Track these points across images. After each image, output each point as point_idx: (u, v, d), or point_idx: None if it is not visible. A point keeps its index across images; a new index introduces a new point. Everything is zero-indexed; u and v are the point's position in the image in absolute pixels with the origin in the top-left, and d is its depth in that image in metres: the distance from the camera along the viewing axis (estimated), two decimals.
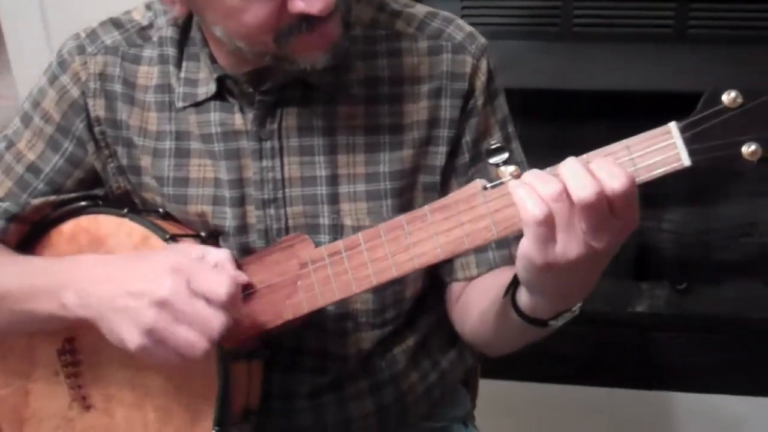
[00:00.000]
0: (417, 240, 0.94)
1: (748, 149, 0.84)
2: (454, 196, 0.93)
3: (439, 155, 1.13)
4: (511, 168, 0.89)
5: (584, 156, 0.85)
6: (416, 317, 1.22)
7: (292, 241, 1.04)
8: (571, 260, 0.81)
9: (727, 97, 0.85)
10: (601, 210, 0.79)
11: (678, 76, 1.91)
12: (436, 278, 1.21)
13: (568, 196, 0.78)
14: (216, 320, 0.93)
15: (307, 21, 0.95)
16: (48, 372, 1.17)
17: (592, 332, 2.32)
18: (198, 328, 0.93)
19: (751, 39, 1.89)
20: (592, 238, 0.80)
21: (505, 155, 0.90)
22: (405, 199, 1.12)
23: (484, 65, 1.13)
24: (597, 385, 2.33)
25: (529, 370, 2.21)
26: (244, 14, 0.94)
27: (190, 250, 1.02)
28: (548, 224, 0.80)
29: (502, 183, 0.90)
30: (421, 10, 1.16)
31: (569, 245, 0.81)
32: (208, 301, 0.93)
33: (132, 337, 0.95)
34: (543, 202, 0.79)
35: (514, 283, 0.96)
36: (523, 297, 0.93)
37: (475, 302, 1.12)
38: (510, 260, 1.14)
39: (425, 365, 1.24)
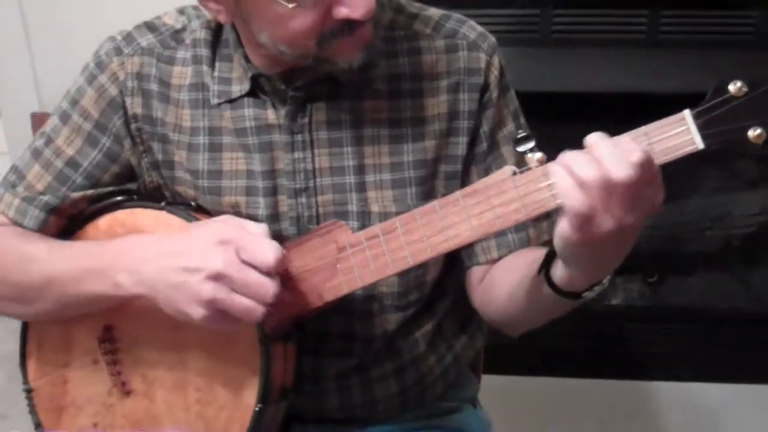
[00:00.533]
0: (451, 223, 1.02)
1: (754, 133, 0.94)
2: (485, 181, 1.00)
3: (460, 145, 1.21)
4: (538, 155, 0.97)
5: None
6: (434, 302, 1.30)
7: (330, 227, 1.10)
8: (606, 236, 0.89)
9: (734, 86, 0.94)
10: (636, 189, 0.87)
11: (650, 79, 2.02)
12: (452, 264, 1.29)
13: (608, 177, 0.85)
14: (268, 285, 1.00)
15: (348, 25, 1.03)
16: (86, 360, 1.22)
17: (570, 325, 2.39)
18: (253, 295, 1.00)
19: (717, 43, 2.01)
20: (626, 215, 0.88)
21: (532, 143, 0.98)
22: (428, 187, 1.20)
23: (496, 61, 1.22)
24: (576, 376, 2.42)
25: (510, 363, 2.30)
26: (291, 21, 1.02)
27: (230, 219, 1.07)
28: (588, 206, 0.87)
29: (529, 169, 0.98)
30: (435, 12, 1.24)
31: (606, 223, 0.88)
32: (258, 268, 1.00)
33: (194, 310, 1.01)
34: (588, 193, 0.86)
35: (548, 261, 1.03)
36: (558, 272, 1.00)
37: (501, 283, 1.20)
38: (527, 242, 1.23)
39: (441, 348, 1.32)
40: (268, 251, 1.00)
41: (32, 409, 1.25)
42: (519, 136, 0.99)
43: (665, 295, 2.56)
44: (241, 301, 1.00)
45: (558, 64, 2.05)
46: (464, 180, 1.22)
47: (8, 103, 2.75)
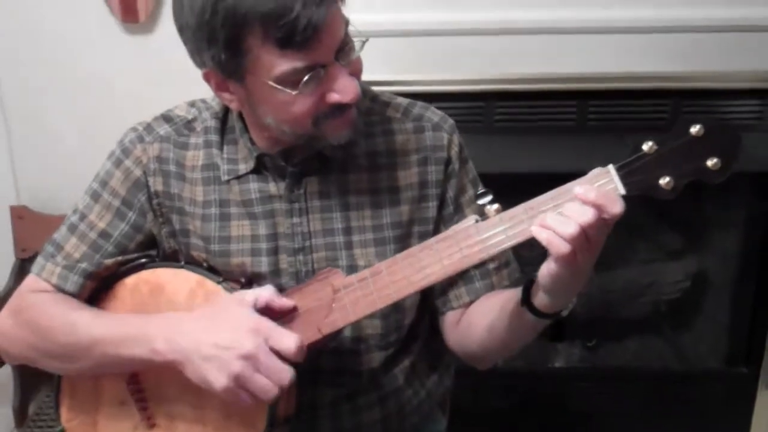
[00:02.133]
0: (427, 264, 1.25)
1: (663, 181, 1.18)
2: (454, 228, 1.25)
3: (430, 209, 1.45)
4: (495, 206, 1.22)
5: (539, 198, 1.19)
6: (409, 343, 1.52)
7: (327, 273, 1.32)
8: (588, 265, 1.16)
9: (646, 146, 1.18)
10: (601, 227, 1.12)
11: (579, 160, 2.28)
12: (423, 311, 1.51)
13: (583, 230, 1.11)
14: (286, 373, 1.23)
15: (339, 108, 1.27)
16: (114, 403, 1.42)
17: (517, 386, 2.62)
18: (273, 378, 1.22)
19: (636, 128, 2.30)
20: (597, 248, 1.15)
21: (490, 197, 1.24)
22: (404, 245, 1.43)
23: (456, 139, 1.48)
24: None
25: (463, 422, 2.48)
26: (292, 106, 1.25)
27: (245, 295, 1.29)
28: (573, 254, 1.12)
29: (488, 217, 1.23)
30: (403, 100, 1.50)
31: (586, 258, 1.14)
32: (281, 355, 1.23)
33: (219, 381, 1.22)
34: (568, 241, 1.11)
35: (526, 294, 1.27)
36: (540, 301, 1.24)
37: (478, 321, 1.43)
38: (492, 287, 1.47)
39: (416, 384, 1.54)
40: (291, 343, 1.23)
41: None
42: (479, 192, 1.25)
43: (603, 358, 2.78)
44: (262, 381, 1.22)
45: (500, 148, 2.30)
46: None
47: None
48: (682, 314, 2.81)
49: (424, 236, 1.44)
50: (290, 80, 1.22)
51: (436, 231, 1.46)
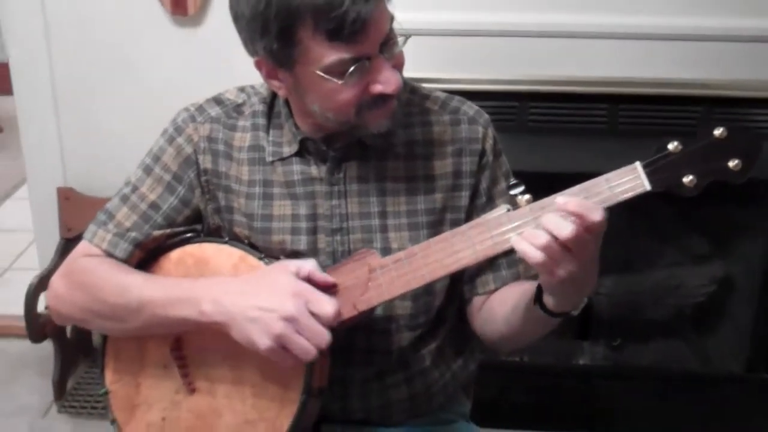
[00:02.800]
0: (459, 248, 1.32)
1: (687, 179, 1.25)
2: (486, 217, 1.32)
3: (463, 197, 1.52)
4: (527, 196, 1.30)
5: (569, 190, 1.26)
6: (437, 326, 1.59)
7: (363, 254, 1.40)
8: (572, 273, 1.21)
9: (672, 145, 1.26)
10: (579, 236, 1.18)
11: (609, 161, 2.33)
12: (452, 295, 1.58)
13: (556, 239, 1.18)
14: (324, 335, 1.31)
15: (381, 98, 1.35)
16: (157, 366, 1.50)
17: (541, 382, 2.67)
18: (312, 340, 1.30)
19: (667, 133, 2.33)
20: (579, 255, 1.20)
21: (522, 188, 1.31)
22: (436, 231, 1.49)
23: (490, 132, 1.55)
24: (546, 430, 2.64)
25: (488, 416, 2.54)
26: (338, 95, 1.33)
27: (288, 264, 1.37)
28: (548, 263, 1.20)
29: (519, 207, 1.30)
30: (441, 94, 1.57)
31: (567, 266, 1.21)
32: (319, 319, 1.31)
33: (262, 340, 1.30)
34: (539, 249, 1.19)
35: (539, 293, 1.34)
36: (549, 301, 1.32)
37: (497, 310, 1.50)
38: (518, 276, 1.54)
39: (442, 367, 1.61)
40: (330, 308, 1.31)
41: (109, 409, 1.53)
42: (511, 183, 1.32)
43: (627, 357, 2.83)
44: (303, 342, 1.30)
45: (532, 147, 2.36)
46: None
47: (35, 177, 3.03)
48: (706, 318, 2.85)
49: (455, 223, 1.51)
50: (337, 71, 1.30)
51: (468, 219, 1.52)
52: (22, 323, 2.93)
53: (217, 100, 1.56)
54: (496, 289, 1.54)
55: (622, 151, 2.30)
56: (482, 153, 1.53)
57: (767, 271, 2.61)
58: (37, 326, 2.88)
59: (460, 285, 1.57)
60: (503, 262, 1.53)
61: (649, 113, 2.37)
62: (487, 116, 1.57)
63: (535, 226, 1.21)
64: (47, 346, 3.00)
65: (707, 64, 2.30)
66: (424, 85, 1.59)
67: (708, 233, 2.74)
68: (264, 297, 1.32)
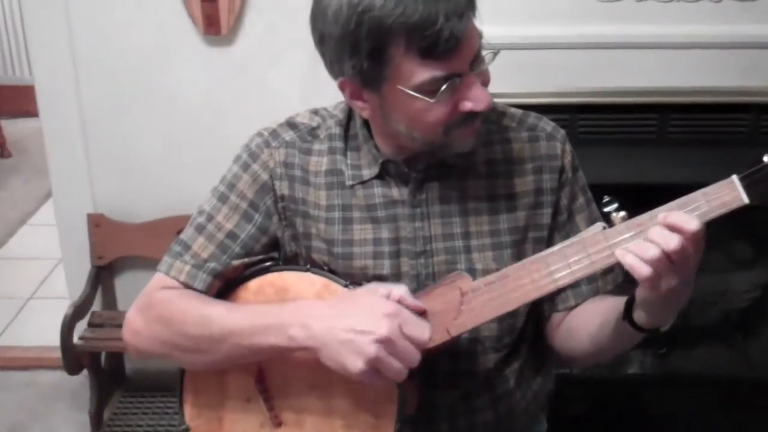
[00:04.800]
0: (555, 269, 1.30)
1: None
2: (581, 235, 1.30)
3: (545, 215, 1.50)
4: (622, 213, 1.28)
5: (667, 205, 1.24)
6: (519, 347, 1.56)
7: (454, 278, 1.38)
8: (673, 288, 1.21)
9: (766, 157, 1.24)
10: (684, 249, 1.18)
11: (660, 171, 2.33)
12: (532, 315, 1.56)
13: (662, 252, 1.17)
14: (417, 357, 1.28)
15: (470, 117, 1.33)
16: (240, 400, 1.47)
17: (591, 392, 2.65)
18: (405, 362, 1.28)
19: (718, 141, 2.34)
20: (682, 269, 1.20)
21: (616, 204, 1.29)
22: (520, 250, 1.48)
23: (568, 148, 1.53)
24: None
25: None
26: (427, 114, 1.31)
27: (378, 287, 1.35)
28: (654, 275, 1.19)
29: (614, 224, 1.28)
30: (516, 111, 1.55)
31: (670, 280, 1.20)
32: (413, 341, 1.28)
33: (356, 363, 1.27)
34: (648, 263, 1.18)
35: (628, 309, 1.32)
36: (639, 317, 1.31)
37: (581, 328, 1.48)
38: (597, 291, 1.52)
39: (524, 387, 1.58)
40: (423, 331, 1.29)
41: None
42: (605, 200, 1.30)
43: (674, 365, 2.81)
44: (396, 364, 1.27)
45: (586, 159, 2.34)
46: (549, 243, 1.50)
47: (63, 203, 2.99)
48: (751, 323, 2.84)
49: (538, 242, 1.49)
50: (428, 89, 1.28)
51: (550, 237, 1.51)
52: (53, 354, 2.91)
53: (291, 124, 1.53)
54: (576, 305, 1.52)
55: (674, 161, 2.37)
56: (562, 169, 1.51)
57: None
58: (73, 358, 2.85)
59: (540, 303, 1.54)
60: (582, 278, 1.50)
61: (699, 122, 2.37)
62: (563, 131, 1.55)
63: (640, 240, 1.21)
64: (80, 377, 2.96)
65: (755, 71, 2.30)
66: None
67: (751, 238, 2.73)
68: (356, 319, 1.29)
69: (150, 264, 2.92)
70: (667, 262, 1.18)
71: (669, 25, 2.26)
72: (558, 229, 1.52)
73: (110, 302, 3.05)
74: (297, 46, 2.61)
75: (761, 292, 2.77)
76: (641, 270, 1.18)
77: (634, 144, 2.38)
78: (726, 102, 2.32)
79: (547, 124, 1.54)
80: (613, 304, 1.39)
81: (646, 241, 1.19)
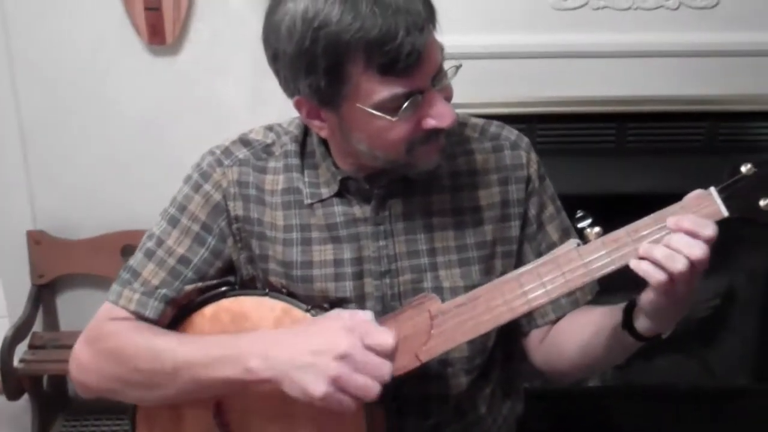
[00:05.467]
0: (528, 288, 1.24)
1: (764, 202, 1.20)
2: (554, 253, 1.25)
3: (513, 227, 1.45)
4: (597, 229, 1.23)
5: (644, 219, 1.20)
6: (490, 369, 1.50)
7: (422, 299, 1.31)
8: (684, 294, 1.16)
9: (745, 168, 1.20)
10: (706, 257, 1.13)
11: (619, 180, 2.31)
12: (501, 334, 1.50)
13: (690, 262, 1.12)
14: (385, 367, 1.19)
15: (434, 133, 1.27)
16: None
17: (551, 406, 2.60)
18: (372, 375, 1.19)
19: (675, 150, 2.32)
20: (699, 275, 1.15)
21: (590, 220, 1.24)
22: (488, 265, 1.42)
23: (534, 156, 1.48)
24: None
25: None
26: (389, 132, 1.25)
27: (341, 312, 1.27)
28: (669, 281, 1.14)
29: (589, 241, 1.23)
30: (478, 120, 1.50)
31: (683, 286, 1.15)
32: (378, 352, 1.19)
33: (317, 387, 1.18)
34: (665, 270, 1.13)
35: (627, 318, 1.27)
36: (642, 325, 1.25)
37: (569, 340, 1.42)
38: (577, 303, 1.46)
39: (495, 412, 1.53)
40: (387, 338, 1.20)
41: None
42: (578, 215, 1.25)
43: (634, 376, 2.79)
44: (361, 380, 1.18)
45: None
46: (519, 257, 1.45)
47: (2, 221, 2.84)
48: (712, 332, 2.82)
49: (507, 256, 1.44)
50: (389, 106, 1.22)
51: (520, 250, 1.46)
52: None
53: (244, 141, 1.46)
54: (557, 319, 1.47)
55: (632, 170, 2.34)
56: (528, 179, 1.46)
57: None
58: (13, 382, 2.72)
59: (516, 319, 1.48)
60: None
61: (657, 131, 2.35)
62: (527, 140, 1.50)
63: (662, 245, 1.15)
64: (21, 404, 2.83)
65: (712, 79, 2.28)
66: None
67: (711, 246, 2.71)
68: (314, 339, 1.21)
69: (93, 282, 2.83)
70: (691, 269, 1.13)
71: (627, 34, 2.23)
72: (528, 240, 1.47)
73: (52, 323, 2.92)
74: (244, 54, 2.53)
75: (720, 300, 2.75)
76: (656, 277, 1.14)
77: (593, 153, 2.35)
78: (684, 111, 2.29)
79: (510, 133, 1.49)
80: (605, 314, 1.34)
81: (669, 249, 1.14)
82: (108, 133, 2.72)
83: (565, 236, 1.48)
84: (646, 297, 1.19)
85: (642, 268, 1.15)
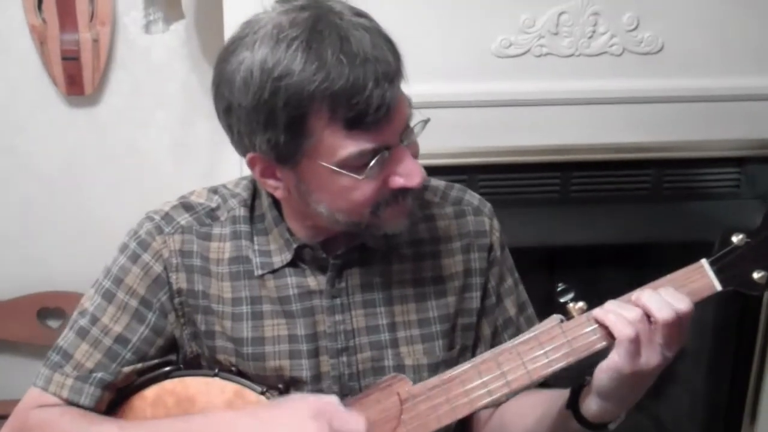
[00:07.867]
0: (508, 369, 1.15)
1: (758, 275, 1.14)
2: (536, 329, 1.16)
3: (474, 299, 1.35)
4: (580, 303, 1.15)
5: (644, 288, 1.13)
6: None
7: (390, 381, 1.20)
8: (651, 368, 1.08)
9: (736, 238, 1.15)
10: (674, 327, 1.06)
11: (564, 231, 2.24)
12: None
13: (649, 318, 1.06)
14: None
15: (402, 193, 1.17)
16: None
17: None
18: None
19: (621, 199, 2.27)
20: (667, 349, 1.09)
21: (572, 294, 1.16)
22: (451, 339, 1.32)
23: (496, 223, 1.40)
24: None
25: None
26: (353, 192, 1.14)
27: (306, 396, 1.17)
28: (636, 341, 1.06)
29: (573, 317, 1.14)
30: (438, 182, 1.41)
31: (651, 356, 1.08)
32: None
33: None
34: (631, 324, 1.06)
35: (574, 398, 1.19)
36: (590, 407, 1.17)
37: (515, 422, 1.33)
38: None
39: None
40: (358, 423, 1.10)
41: None
42: (560, 288, 1.16)
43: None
44: None
45: None
46: (476, 331, 1.37)
47: None
48: (660, 384, 2.74)
49: (467, 329, 1.36)
50: (355, 164, 1.12)
51: (479, 323, 1.38)
52: None
53: (186, 206, 1.33)
54: (505, 399, 1.36)
55: (578, 219, 2.27)
56: (490, 247, 1.38)
57: (720, 333, 2.55)
58: None
59: None
60: None
61: (601, 179, 2.29)
62: (489, 205, 1.42)
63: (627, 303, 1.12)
64: None
65: (656, 126, 2.23)
66: None
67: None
68: (282, 427, 1.10)
69: (8, 348, 2.66)
70: (651, 331, 1.09)
71: (570, 81, 2.17)
72: (486, 314, 1.38)
73: None
74: (166, 105, 2.39)
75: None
76: (624, 332, 1.09)
77: (536, 204, 2.28)
78: (629, 158, 2.24)
79: (472, 197, 1.40)
80: (554, 397, 1.26)
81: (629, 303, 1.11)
82: (22, 189, 2.55)
83: (521, 311, 1.41)
84: (607, 363, 1.12)
85: (609, 319, 1.10)
